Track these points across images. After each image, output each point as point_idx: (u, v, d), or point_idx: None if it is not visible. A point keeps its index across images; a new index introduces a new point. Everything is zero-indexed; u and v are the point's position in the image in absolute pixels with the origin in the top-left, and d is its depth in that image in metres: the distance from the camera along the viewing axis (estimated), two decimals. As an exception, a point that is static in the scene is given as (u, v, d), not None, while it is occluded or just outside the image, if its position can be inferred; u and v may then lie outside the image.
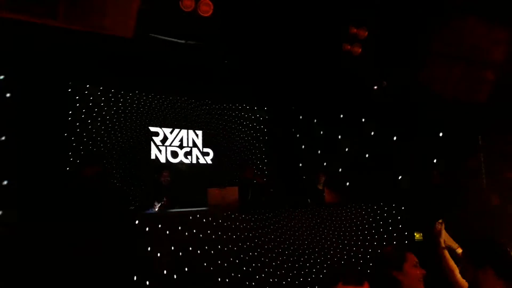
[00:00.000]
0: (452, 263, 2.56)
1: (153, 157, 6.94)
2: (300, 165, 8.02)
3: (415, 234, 5.73)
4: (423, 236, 5.66)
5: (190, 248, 3.92)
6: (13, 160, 4.90)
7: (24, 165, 4.98)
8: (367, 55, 6.01)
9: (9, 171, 4.69)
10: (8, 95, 4.79)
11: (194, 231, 4.05)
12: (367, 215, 5.50)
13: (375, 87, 7.13)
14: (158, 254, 3.76)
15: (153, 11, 4.40)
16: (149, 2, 4.17)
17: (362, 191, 6.45)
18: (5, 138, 4.64)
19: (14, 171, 4.77)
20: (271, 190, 6.84)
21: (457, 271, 2.45)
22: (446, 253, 2.63)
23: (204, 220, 4.20)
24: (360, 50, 6.00)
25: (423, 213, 5.52)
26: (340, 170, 7.22)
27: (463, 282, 2.34)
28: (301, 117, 8.14)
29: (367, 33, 5.83)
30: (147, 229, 3.83)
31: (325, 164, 7.51)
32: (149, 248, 3.78)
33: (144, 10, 4.24)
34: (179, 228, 4.06)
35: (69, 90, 6.30)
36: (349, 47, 5.97)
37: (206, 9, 4.92)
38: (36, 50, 5.06)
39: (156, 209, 5.36)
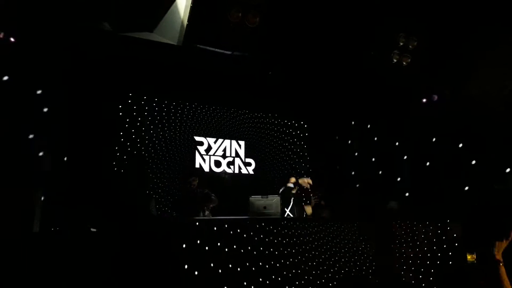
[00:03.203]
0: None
1: (197, 165, 7.10)
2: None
3: (467, 255, 5.33)
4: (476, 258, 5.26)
5: (234, 246, 3.96)
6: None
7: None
8: (416, 66, 5.84)
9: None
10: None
11: (238, 230, 4.09)
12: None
13: (424, 100, 6.88)
14: (206, 248, 3.85)
15: (201, 22, 4.57)
16: (197, 12, 4.30)
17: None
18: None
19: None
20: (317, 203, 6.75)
21: None
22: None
23: (247, 224, 4.23)
24: (408, 60, 5.84)
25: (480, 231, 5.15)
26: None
27: None
28: (337, 137, 8.05)
29: (416, 43, 5.68)
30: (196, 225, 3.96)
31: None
32: (198, 241, 3.89)
33: (192, 20, 4.41)
34: (224, 228, 4.13)
35: (129, 101, 6.63)
36: (397, 58, 5.84)
37: (253, 20, 5.03)
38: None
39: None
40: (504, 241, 2.44)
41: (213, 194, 5.88)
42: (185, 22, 4.12)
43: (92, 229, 5.01)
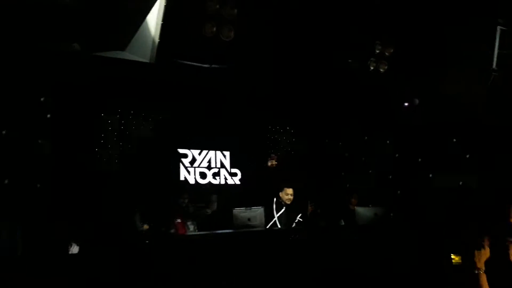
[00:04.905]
0: None
1: (182, 178, 7.06)
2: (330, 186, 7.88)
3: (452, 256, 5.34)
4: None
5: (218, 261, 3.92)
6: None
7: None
8: (394, 72, 5.90)
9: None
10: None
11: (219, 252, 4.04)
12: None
13: (406, 104, 6.95)
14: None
15: (176, 37, 4.55)
16: (169, 30, 4.28)
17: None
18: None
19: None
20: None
21: None
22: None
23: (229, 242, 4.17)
24: (386, 67, 5.89)
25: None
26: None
27: None
28: (327, 140, 8.06)
29: (392, 50, 5.74)
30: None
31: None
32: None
33: (167, 35, 4.39)
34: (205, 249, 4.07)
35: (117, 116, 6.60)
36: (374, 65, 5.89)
37: (228, 34, 5.04)
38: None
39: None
40: (482, 250, 2.42)
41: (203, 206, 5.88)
42: (157, 39, 4.13)
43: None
